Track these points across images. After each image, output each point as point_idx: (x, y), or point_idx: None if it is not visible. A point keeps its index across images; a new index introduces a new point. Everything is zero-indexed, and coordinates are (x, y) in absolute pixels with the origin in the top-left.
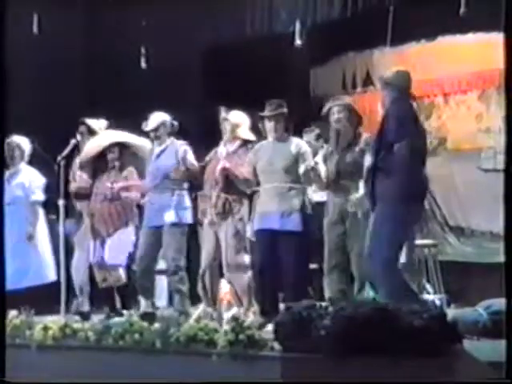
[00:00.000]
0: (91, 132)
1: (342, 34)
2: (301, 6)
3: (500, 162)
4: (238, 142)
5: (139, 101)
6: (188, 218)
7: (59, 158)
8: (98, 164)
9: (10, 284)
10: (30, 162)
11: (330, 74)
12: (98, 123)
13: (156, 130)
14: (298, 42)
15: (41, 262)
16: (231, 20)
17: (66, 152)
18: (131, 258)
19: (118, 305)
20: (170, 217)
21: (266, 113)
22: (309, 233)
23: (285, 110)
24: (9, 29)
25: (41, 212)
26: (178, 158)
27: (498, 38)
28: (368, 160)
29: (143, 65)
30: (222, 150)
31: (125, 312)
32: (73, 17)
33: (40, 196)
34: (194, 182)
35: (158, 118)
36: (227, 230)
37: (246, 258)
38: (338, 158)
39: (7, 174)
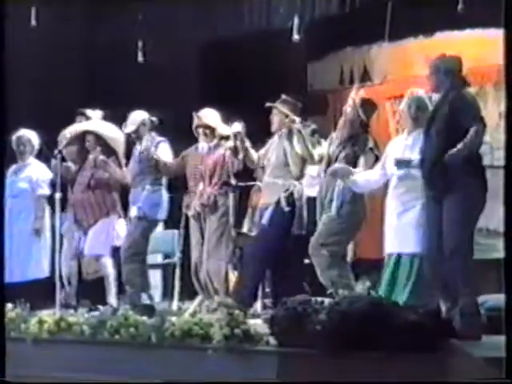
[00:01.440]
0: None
1: (339, 29)
2: (299, 0)
3: (497, 158)
4: (216, 139)
5: (134, 95)
6: (155, 213)
7: (55, 151)
8: (79, 150)
9: (13, 276)
10: (38, 157)
11: (327, 69)
12: (94, 113)
13: (136, 131)
14: (296, 37)
15: (32, 257)
16: (229, 15)
17: (61, 145)
18: (115, 248)
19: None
20: (133, 211)
21: (268, 104)
22: (280, 228)
23: (284, 105)
24: (10, 25)
25: (46, 207)
26: (155, 153)
27: (495, 34)
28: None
29: (140, 59)
30: (204, 145)
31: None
32: (72, 13)
33: (46, 190)
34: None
35: (136, 119)
36: (210, 224)
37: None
38: (337, 150)
39: (15, 167)
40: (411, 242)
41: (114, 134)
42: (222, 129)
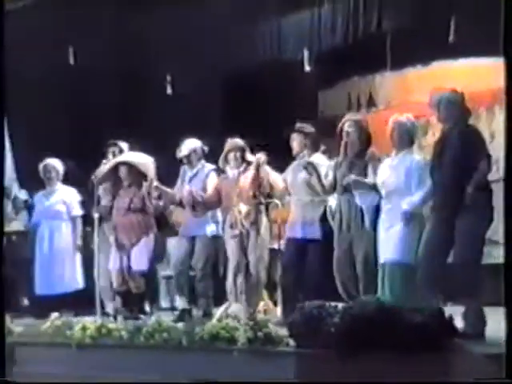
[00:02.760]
0: (122, 152)
1: (346, 60)
2: (307, 35)
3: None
4: (244, 164)
5: (160, 125)
6: (219, 230)
7: (93, 176)
8: (114, 184)
9: (49, 290)
10: (66, 181)
11: (336, 96)
12: (124, 144)
13: (188, 156)
14: (307, 68)
15: (75, 271)
16: (245, 49)
17: (100, 171)
18: (152, 264)
19: (112, 308)
20: (206, 229)
21: (288, 131)
22: (328, 240)
23: (304, 129)
24: (46, 58)
25: (80, 225)
26: (205, 182)
27: (486, 62)
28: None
29: (169, 91)
30: (234, 171)
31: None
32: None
33: (79, 211)
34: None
35: (189, 145)
36: (255, 238)
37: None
38: (345, 169)
39: (44, 192)
40: (394, 253)
41: (144, 160)
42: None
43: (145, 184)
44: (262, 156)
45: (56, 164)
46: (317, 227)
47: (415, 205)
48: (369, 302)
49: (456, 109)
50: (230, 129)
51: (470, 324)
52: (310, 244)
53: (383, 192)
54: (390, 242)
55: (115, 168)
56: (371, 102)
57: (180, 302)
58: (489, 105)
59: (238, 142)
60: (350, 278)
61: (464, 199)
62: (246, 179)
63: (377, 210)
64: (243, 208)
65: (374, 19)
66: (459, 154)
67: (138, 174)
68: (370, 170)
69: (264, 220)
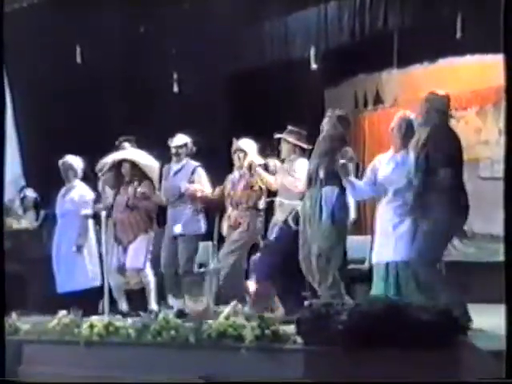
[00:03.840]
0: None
1: (353, 58)
2: (314, 33)
3: (497, 170)
4: (244, 168)
5: (167, 123)
6: (197, 229)
7: (100, 173)
8: (116, 176)
9: (64, 287)
10: (84, 179)
11: (343, 94)
12: (131, 143)
13: (179, 147)
14: (314, 66)
15: (83, 269)
16: (252, 47)
17: (105, 168)
18: (152, 261)
19: (125, 306)
20: (177, 229)
21: (277, 136)
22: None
23: (290, 135)
24: (54, 57)
25: (90, 224)
26: (191, 178)
27: (492, 59)
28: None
29: (175, 89)
30: (236, 173)
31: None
32: (112, 47)
33: (88, 210)
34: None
35: (182, 139)
36: (232, 239)
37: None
38: (315, 166)
39: (64, 189)
40: (404, 250)
41: (149, 162)
42: (253, 156)
43: (143, 184)
44: (253, 160)
45: (74, 161)
46: (284, 228)
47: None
48: (377, 299)
49: (435, 113)
50: (236, 127)
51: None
52: (282, 246)
53: (389, 188)
54: (395, 240)
55: (119, 164)
56: (378, 100)
57: (171, 301)
58: (496, 102)
59: (242, 143)
60: (311, 274)
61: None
62: (242, 182)
63: (337, 205)
64: (229, 211)
65: (381, 16)
66: (433, 154)
67: (139, 173)
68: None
69: (248, 226)
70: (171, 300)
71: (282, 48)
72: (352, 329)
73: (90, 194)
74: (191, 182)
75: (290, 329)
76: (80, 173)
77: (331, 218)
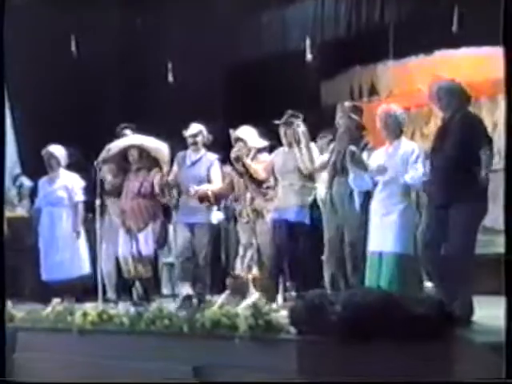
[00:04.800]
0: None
1: (348, 50)
2: (310, 25)
3: (494, 162)
4: (252, 151)
5: (163, 111)
6: (215, 218)
7: (96, 162)
8: (122, 165)
9: (50, 275)
10: (69, 167)
11: (338, 86)
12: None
13: (195, 135)
14: (309, 56)
15: (76, 257)
16: (249, 39)
17: (102, 157)
18: (158, 250)
19: (141, 294)
20: (200, 217)
21: (278, 122)
22: (318, 226)
23: (294, 119)
24: (49, 50)
25: (81, 211)
26: (208, 172)
27: (488, 52)
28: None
29: (170, 79)
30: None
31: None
32: (107, 37)
33: (81, 197)
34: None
35: (197, 127)
36: (262, 225)
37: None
38: (340, 156)
39: (47, 178)
40: (392, 241)
41: (157, 145)
42: (253, 143)
43: (155, 170)
44: (237, 149)
45: (58, 150)
46: (306, 212)
47: (415, 179)
48: (370, 290)
49: (455, 97)
50: (231, 119)
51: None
52: (299, 229)
53: (379, 179)
54: (385, 231)
55: (124, 150)
56: (373, 92)
57: (183, 289)
58: (491, 94)
59: (239, 132)
60: (338, 262)
61: (477, 184)
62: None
63: (367, 195)
64: (248, 196)
65: (377, 8)
66: (459, 140)
67: (148, 159)
68: (365, 158)
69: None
70: (181, 287)
71: (279, 39)
72: (345, 319)
73: (80, 182)
74: (207, 176)
75: (284, 319)
76: (63, 161)
77: (364, 207)
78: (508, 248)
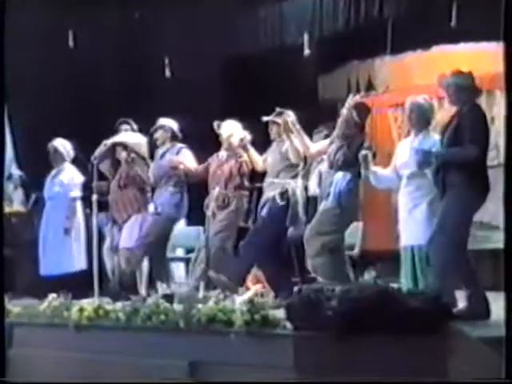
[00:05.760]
0: (133, 130)
1: (346, 45)
2: (308, 19)
3: (490, 158)
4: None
5: (159, 106)
6: (173, 211)
7: (92, 157)
8: (112, 163)
9: (46, 270)
10: (74, 162)
11: (336, 80)
12: (129, 125)
13: (154, 131)
14: (307, 51)
15: (73, 252)
16: (246, 33)
17: (98, 152)
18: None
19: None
20: (151, 208)
21: (265, 118)
22: (276, 221)
23: (280, 117)
24: (46, 44)
25: (78, 207)
26: (178, 157)
27: (486, 47)
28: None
29: (167, 74)
30: (223, 154)
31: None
32: (104, 31)
33: (77, 193)
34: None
35: (160, 122)
36: (219, 217)
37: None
38: (342, 148)
39: (53, 172)
40: (421, 234)
41: (137, 140)
42: (237, 138)
43: (127, 164)
44: (246, 135)
45: (62, 144)
46: (271, 207)
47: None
48: (367, 285)
49: (464, 91)
50: (229, 113)
51: (469, 306)
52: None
53: (404, 173)
54: (415, 224)
55: (113, 148)
56: (370, 86)
57: (159, 286)
58: (489, 89)
59: (224, 126)
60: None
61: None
62: (230, 162)
63: (346, 188)
64: (216, 191)
65: (375, 3)
66: (457, 134)
67: (132, 154)
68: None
69: (237, 205)
70: (158, 285)
71: (277, 33)
72: (342, 314)
73: (79, 177)
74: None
75: (280, 314)
76: (68, 156)
77: (337, 201)
78: (507, 243)
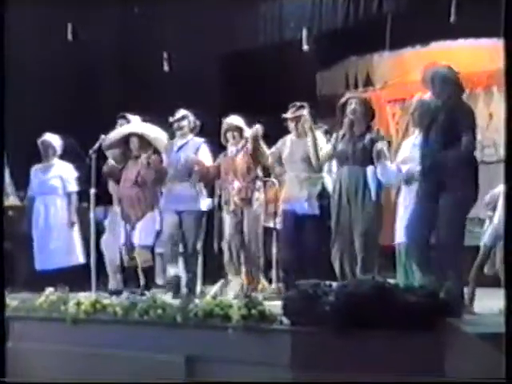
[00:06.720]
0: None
1: (344, 40)
2: (307, 15)
3: (487, 154)
4: (243, 141)
5: (161, 101)
6: (204, 206)
7: (91, 151)
8: (123, 152)
9: (44, 265)
10: (62, 157)
11: (334, 76)
12: (134, 117)
13: (180, 120)
14: (305, 47)
15: (70, 246)
16: (245, 29)
17: (96, 146)
18: (156, 239)
19: (142, 284)
20: (190, 205)
21: (288, 115)
22: (325, 217)
23: (304, 111)
24: (45, 37)
25: (76, 201)
26: (196, 154)
27: (485, 43)
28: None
29: (166, 68)
30: (232, 149)
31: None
32: (104, 25)
33: (75, 187)
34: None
35: (182, 112)
36: (249, 214)
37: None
38: (351, 145)
39: (41, 166)
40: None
41: (158, 134)
42: (247, 131)
43: (144, 156)
44: (259, 127)
45: (53, 139)
46: (314, 203)
47: None
48: (364, 280)
49: (449, 84)
50: (228, 108)
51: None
52: (307, 220)
53: (405, 170)
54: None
55: (126, 137)
56: (368, 82)
57: (171, 270)
58: (487, 86)
59: (234, 121)
60: (347, 254)
61: (446, 172)
62: (243, 155)
63: (381, 185)
64: (236, 185)
65: None
66: (446, 127)
67: (147, 147)
68: (379, 147)
69: (260, 197)
70: (169, 269)
71: (276, 29)
72: (339, 310)
73: (74, 172)
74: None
75: (277, 309)
76: (59, 151)
77: (377, 197)
78: (507, 241)
